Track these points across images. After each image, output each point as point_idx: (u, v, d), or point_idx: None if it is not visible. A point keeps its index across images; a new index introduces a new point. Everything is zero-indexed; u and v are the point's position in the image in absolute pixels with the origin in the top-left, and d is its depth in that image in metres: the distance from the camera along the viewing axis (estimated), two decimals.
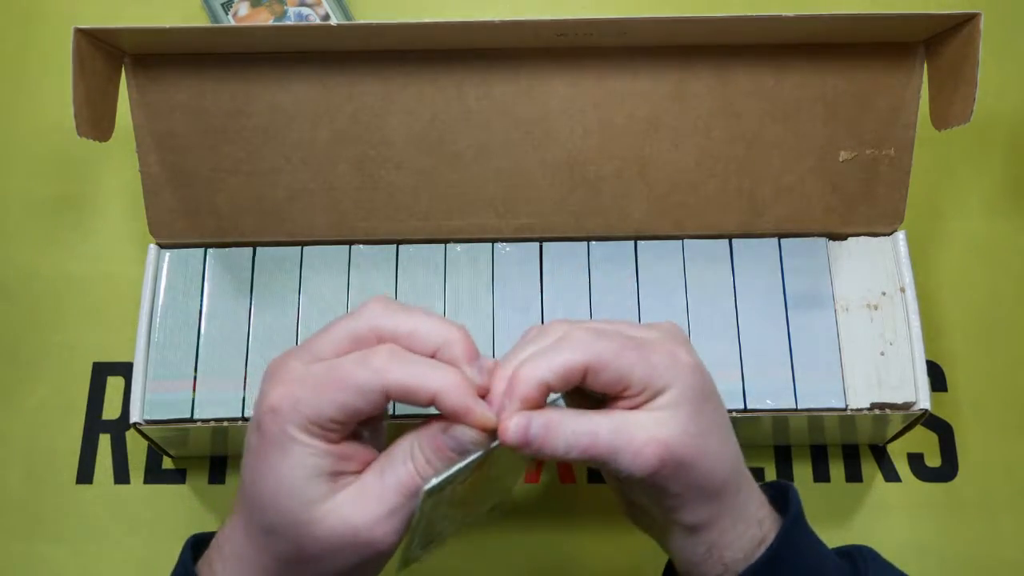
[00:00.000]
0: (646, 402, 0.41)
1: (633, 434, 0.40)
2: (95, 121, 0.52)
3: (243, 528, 0.43)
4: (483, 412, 0.39)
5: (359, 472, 0.41)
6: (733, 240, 0.57)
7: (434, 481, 0.39)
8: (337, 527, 0.39)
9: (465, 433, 0.39)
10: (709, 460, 0.41)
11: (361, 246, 0.57)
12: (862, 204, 0.56)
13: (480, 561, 0.59)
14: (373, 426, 0.43)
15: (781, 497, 0.45)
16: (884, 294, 0.56)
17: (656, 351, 0.41)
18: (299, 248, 0.57)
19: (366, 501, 0.40)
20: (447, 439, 0.40)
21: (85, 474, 0.62)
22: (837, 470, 0.61)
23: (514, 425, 0.39)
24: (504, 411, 0.40)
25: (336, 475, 0.40)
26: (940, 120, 0.52)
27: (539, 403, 0.40)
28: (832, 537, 0.59)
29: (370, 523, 0.39)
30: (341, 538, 0.40)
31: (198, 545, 0.46)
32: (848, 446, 0.62)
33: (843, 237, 0.57)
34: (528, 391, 0.39)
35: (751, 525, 0.43)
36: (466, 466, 0.39)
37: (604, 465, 0.41)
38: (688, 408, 0.41)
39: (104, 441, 0.62)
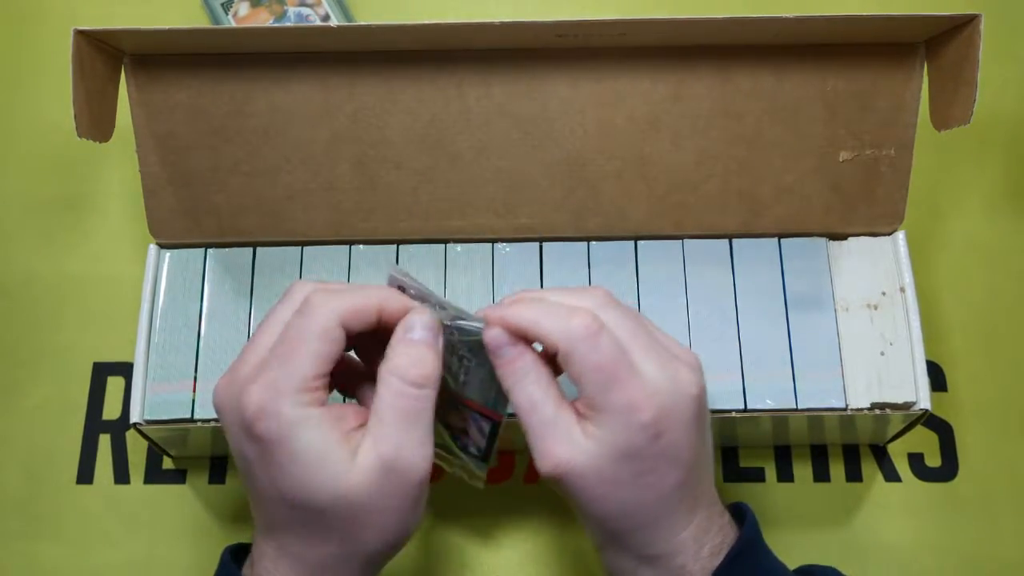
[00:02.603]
0: (592, 415, 0.41)
1: (548, 442, 0.42)
2: (95, 122, 0.52)
3: (279, 548, 0.43)
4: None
5: (360, 427, 0.42)
6: (733, 240, 0.57)
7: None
8: (371, 471, 0.41)
9: (417, 317, 0.42)
10: (608, 505, 0.42)
11: (361, 246, 0.57)
12: (862, 204, 0.56)
13: (481, 560, 0.59)
14: (340, 370, 0.44)
15: (740, 521, 0.46)
16: (884, 294, 0.56)
17: (628, 383, 0.41)
18: (299, 248, 0.57)
19: (384, 438, 0.41)
20: (409, 332, 0.42)
21: (85, 474, 0.62)
22: (837, 470, 0.61)
23: (492, 335, 0.43)
24: (496, 311, 0.43)
25: (345, 437, 0.41)
26: (940, 121, 0.52)
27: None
28: (832, 537, 0.60)
29: (396, 449, 0.41)
30: (381, 479, 0.41)
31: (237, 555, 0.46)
32: (848, 446, 0.62)
33: (843, 237, 0.57)
34: (513, 324, 0.43)
35: (688, 558, 0.43)
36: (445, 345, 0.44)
37: None
38: (618, 458, 0.41)
39: (104, 441, 0.62)
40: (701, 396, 0.43)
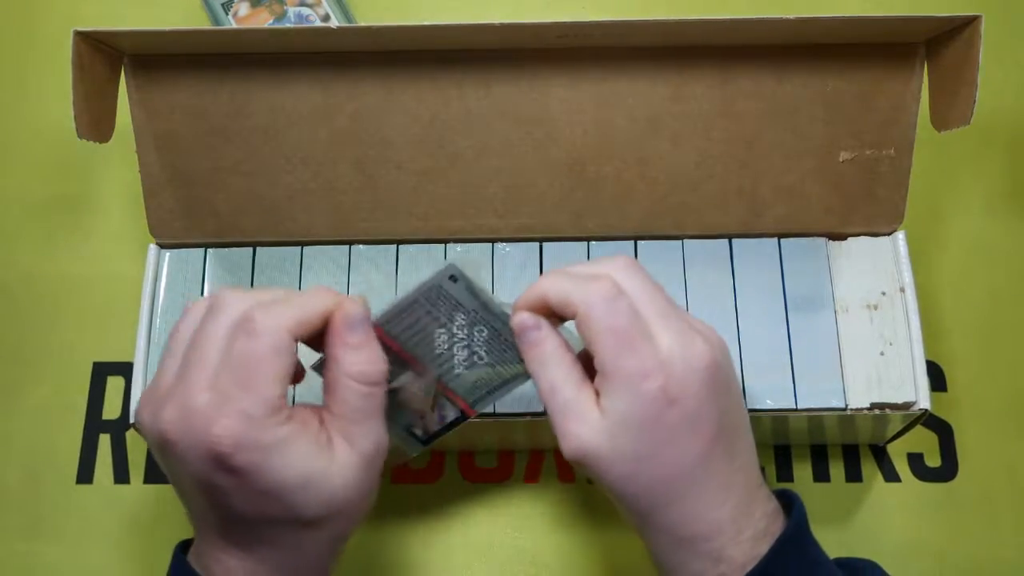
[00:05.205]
0: (604, 385, 0.42)
1: (569, 423, 0.42)
2: (95, 123, 0.52)
3: (259, 561, 0.43)
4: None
5: (321, 422, 0.43)
6: (733, 240, 0.57)
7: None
8: (354, 470, 0.42)
9: (355, 311, 0.43)
10: (632, 484, 0.42)
11: (361, 246, 0.57)
12: (862, 204, 0.56)
13: (481, 560, 0.59)
14: None
15: (788, 508, 0.45)
16: (884, 294, 0.56)
17: (640, 349, 0.41)
18: (299, 248, 0.57)
19: (358, 437, 0.43)
20: (348, 328, 0.43)
21: (85, 474, 0.62)
22: (837, 470, 0.61)
23: (519, 319, 0.44)
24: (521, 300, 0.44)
25: (318, 444, 0.42)
26: (940, 122, 0.52)
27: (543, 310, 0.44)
28: (832, 537, 0.60)
29: (373, 444, 0.43)
30: (362, 474, 0.43)
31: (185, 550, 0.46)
32: (848, 446, 0.62)
33: (843, 237, 0.57)
34: (534, 296, 0.44)
35: (726, 540, 0.42)
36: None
37: None
38: (633, 429, 0.41)
39: (104, 441, 0.62)
40: (713, 368, 0.42)
